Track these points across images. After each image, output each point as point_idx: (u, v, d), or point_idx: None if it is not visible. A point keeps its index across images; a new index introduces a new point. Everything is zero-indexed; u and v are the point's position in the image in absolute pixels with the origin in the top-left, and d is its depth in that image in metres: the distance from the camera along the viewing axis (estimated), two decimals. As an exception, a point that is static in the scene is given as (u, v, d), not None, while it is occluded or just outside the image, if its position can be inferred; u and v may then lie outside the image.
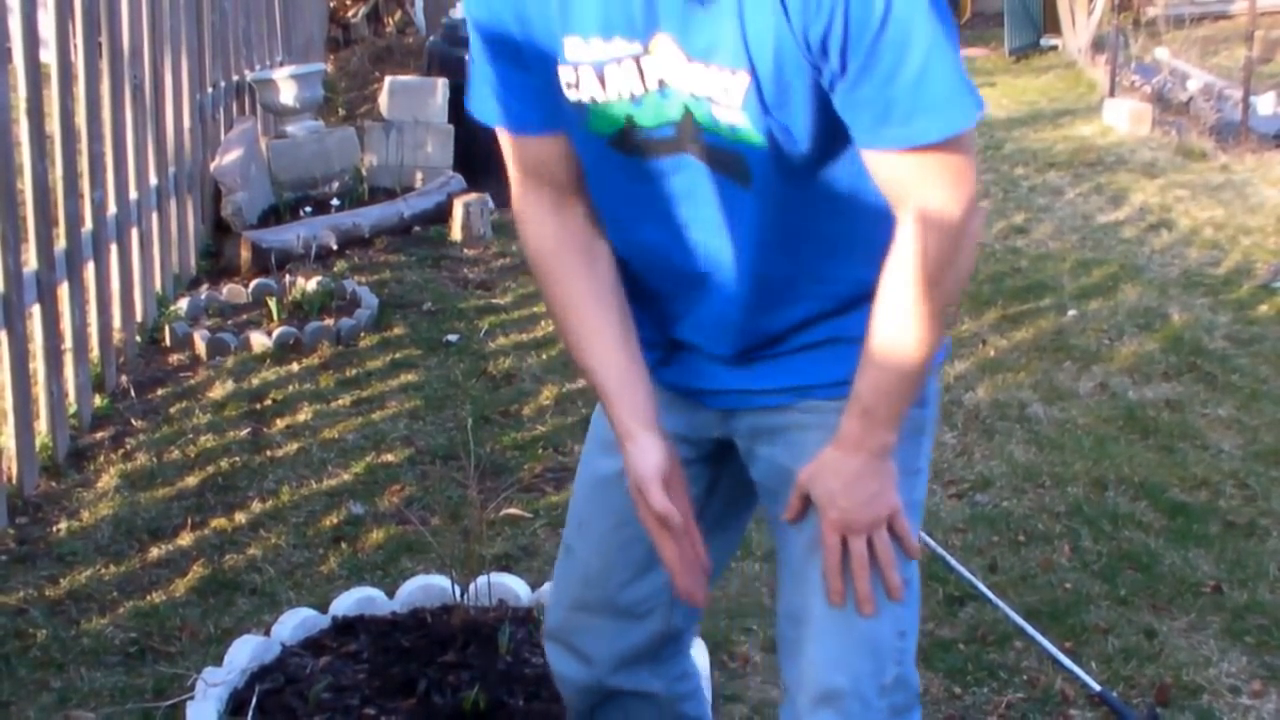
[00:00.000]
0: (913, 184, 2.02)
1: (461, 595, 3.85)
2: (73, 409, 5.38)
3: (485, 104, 2.20)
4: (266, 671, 3.70)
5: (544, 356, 5.94)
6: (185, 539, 4.57)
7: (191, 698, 3.56)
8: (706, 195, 2.11)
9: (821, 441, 2.18)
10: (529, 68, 2.11)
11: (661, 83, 2.02)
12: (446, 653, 3.69)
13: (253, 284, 7.02)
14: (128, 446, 5.28)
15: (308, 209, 7.97)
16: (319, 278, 6.91)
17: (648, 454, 2.21)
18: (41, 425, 5.05)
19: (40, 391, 5.03)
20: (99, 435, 5.38)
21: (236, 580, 4.30)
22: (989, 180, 9.76)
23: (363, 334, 6.49)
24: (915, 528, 2.27)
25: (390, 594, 4.05)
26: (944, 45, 1.94)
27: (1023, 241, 8.33)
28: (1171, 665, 3.90)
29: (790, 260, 2.16)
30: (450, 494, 4.76)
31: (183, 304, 6.67)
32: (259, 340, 6.30)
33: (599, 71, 2.02)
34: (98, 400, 5.65)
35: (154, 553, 4.47)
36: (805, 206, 2.11)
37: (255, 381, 5.96)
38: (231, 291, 6.97)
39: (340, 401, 5.77)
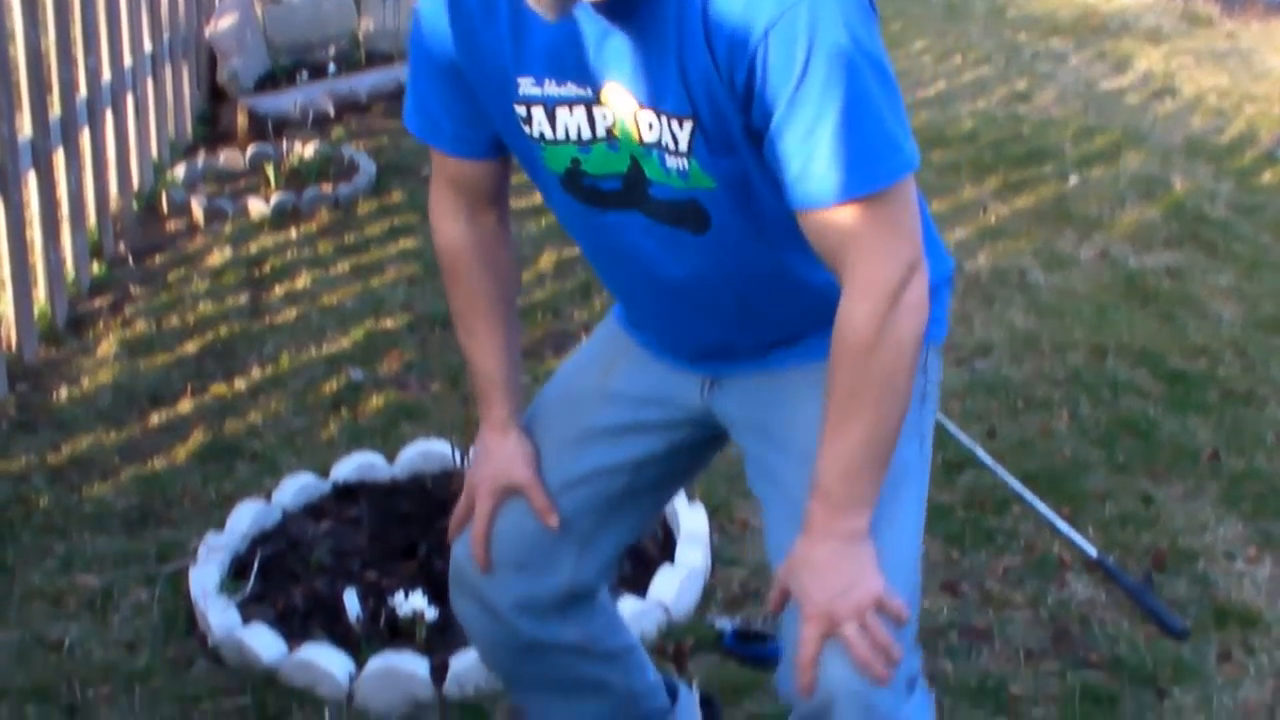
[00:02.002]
0: (839, 247, 1.92)
1: (461, 460, 3.86)
2: (71, 276, 5.37)
3: (420, 119, 2.22)
4: (268, 536, 3.72)
5: (542, 223, 5.91)
6: (185, 405, 4.57)
7: (194, 562, 3.59)
8: (660, 247, 2.09)
9: (811, 398, 2.08)
10: (476, 98, 2.11)
11: (610, 133, 1.98)
12: (446, 517, 3.70)
13: (250, 150, 6.97)
14: (126, 313, 5.27)
15: (304, 74, 7.89)
16: (316, 144, 6.86)
17: (523, 452, 2.34)
18: (40, 293, 5.04)
19: (38, 259, 5.01)
20: (97, 302, 5.37)
21: (237, 446, 4.31)
22: (991, 46, 9.66)
23: (361, 200, 6.45)
24: (924, 490, 2.24)
25: (390, 459, 4.07)
26: (870, 98, 1.85)
27: (1024, 108, 8.26)
28: (1168, 531, 3.92)
29: (762, 288, 2.12)
30: (449, 360, 4.75)
31: (180, 171, 6.62)
32: (257, 207, 6.26)
33: (550, 110, 2.00)
34: (96, 267, 5.63)
35: (154, 419, 4.48)
36: (771, 240, 2.05)
37: (253, 248, 5.93)
38: (228, 158, 6.92)
39: (339, 268, 5.75)
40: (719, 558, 3.72)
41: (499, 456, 2.34)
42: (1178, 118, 8.16)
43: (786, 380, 2.20)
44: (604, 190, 2.05)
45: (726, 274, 2.09)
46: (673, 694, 2.64)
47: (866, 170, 1.87)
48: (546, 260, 5.69)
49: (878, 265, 1.91)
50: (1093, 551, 3.75)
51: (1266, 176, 7.09)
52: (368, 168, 6.72)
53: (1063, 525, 3.85)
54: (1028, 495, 3.98)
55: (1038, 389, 4.77)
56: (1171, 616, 3.51)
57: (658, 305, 2.22)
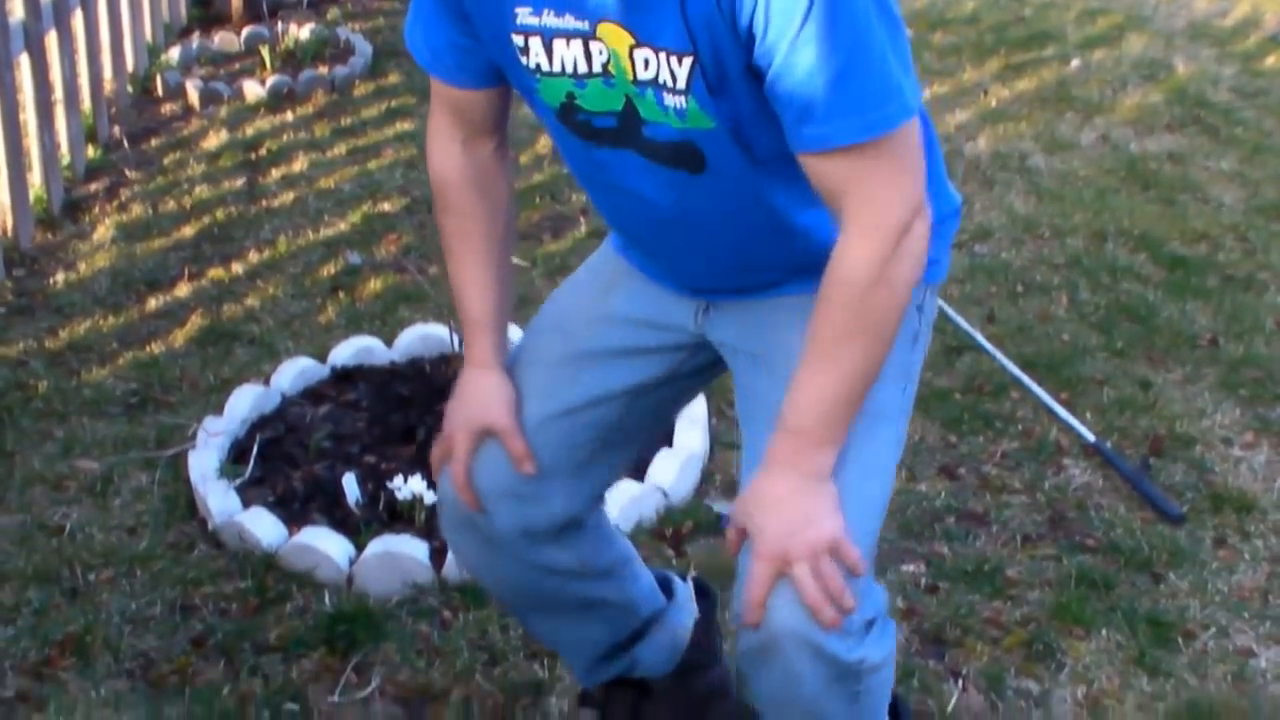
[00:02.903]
0: (840, 190, 1.89)
1: (459, 344, 3.85)
2: (66, 160, 5.34)
3: (419, 43, 2.17)
4: (267, 421, 3.73)
5: (541, 106, 5.86)
6: (183, 290, 4.56)
7: (193, 447, 3.59)
8: (655, 185, 2.05)
9: (798, 324, 2.05)
10: (476, 34, 2.07)
11: (606, 69, 1.94)
12: (445, 401, 3.70)
13: (245, 32, 6.91)
14: (122, 198, 5.25)
15: (299, -45, 7.81)
16: (312, 25, 6.80)
17: (502, 395, 2.28)
18: (35, 177, 5.01)
19: (32, 143, 4.98)
20: (93, 187, 5.35)
21: (235, 330, 4.31)
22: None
23: (357, 82, 6.41)
24: (903, 432, 2.18)
25: (388, 343, 4.06)
26: (874, 41, 1.81)
27: (1027, -10, 8.19)
28: (1165, 417, 3.93)
29: (757, 229, 2.09)
30: (447, 245, 4.73)
31: (174, 53, 6.57)
32: (252, 89, 6.22)
33: (547, 41, 1.95)
34: (91, 151, 5.60)
35: (152, 304, 4.47)
36: (768, 183, 2.02)
37: (249, 131, 5.90)
38: (223, 40, 6.86)
39: (336, 151, 5.72)
40: (718, 441, 3.73)
41: (476, 398, 2.30)
42: (1180, 0, 8.08)
43: (780, 306, 2.17)
44: (598, 127, 2.03)
45: (721, 213, 2.07)
46: (667, 589, 2.65)
47: (868, 116, 1.84)
48: (544, 143, 5.66)
49: (879, 209, 1.90)
50: (1090, 437, 3.76)
51: (1270, 60, 7.04)
52: (364, 50, 6.66)
53: (1061, 410, 3.86)
54: (1026, 380, 3.98)
55: (1037, 273, 4.76)
56: (1168, 502, 3.52)
57: (651, 239, 2.20)
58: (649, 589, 2.57)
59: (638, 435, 2.40)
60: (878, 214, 1.90)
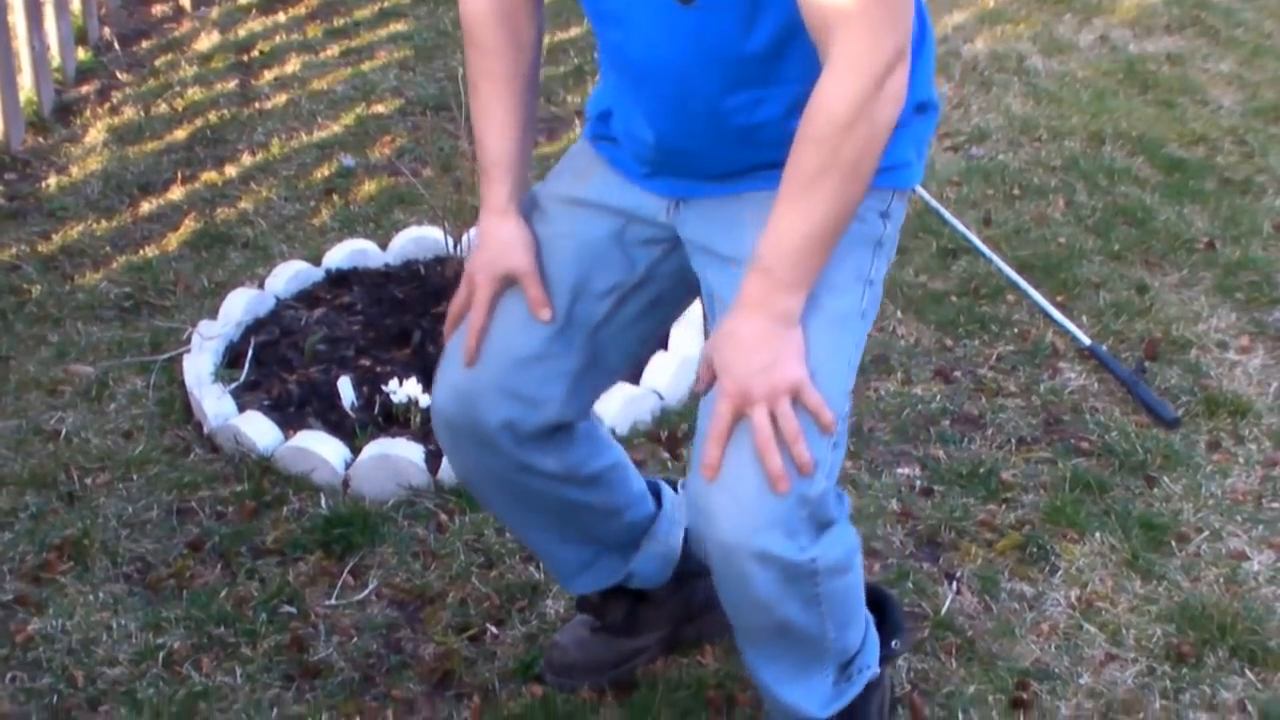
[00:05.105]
0: (831, 23, 1.87)
1: (454, 246, 3.84)
2: (56, 63, 5.29)
3: None
4: (261, 324, 3.72)
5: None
6: (176, 193, 4.54)
7: (188, 350, 3.59)
8: (647, 15, 2.02)
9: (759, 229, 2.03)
10: None
11: None
12: (440, 304, 3.70)
13: (235, -69, 6.83)
14: (114, 100, 5.21)
15: None
16: (303, -75, 6.72)
17: (522, 238, 2.27)
18: (25, 80, 4.97)
19: (21, 46, 4.93)
20: (84, 89, 5.31)
21: (229, 234, 4.29)
22: None
23: (350, -17, 6.35)
24: (862, 336, 2.17)
25: (383, 246, 4.05)
26: None
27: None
28: (1161, 320, 3.92)
29: (735, 100, 2.06)
30: (442, 145, 4.71)
31: (164, -48, 6.50)
32: (244, -10, 6.17)
33: None
34: (81, 54, 5.55)
35: (145, 207, 4.45)
36: (758, 31, 1.99)
37: (241, 32, 5.85)
38: (214, -61, 6.78)
39: (329, 52, 5.67)
40: (713, 346, 3.72)
41: (497, 242, 2.29)
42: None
43: (747, 203, 2.15)
44: None
45: (704, 65, 2.04)
46: (657, 496, 2.64)
47: None
48: (539, 45, 5.61)
49: (866, 46, 1.88)
50: (1086, 340, 3.75)
51: (1271, -41, 6.96)
52: (356, -51, 6.59)
53: (1056, 313, 3.85)
54: (1022, 283, 3.98)
55: (1034, 175, 4.74)
56: (1163, 405, 3.53)
57: (634, 88, 2.17)
58: (638, 495, 2.57)
59: (624, 343, 2.37)
60: (863, 51, 1.88)
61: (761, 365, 1.99)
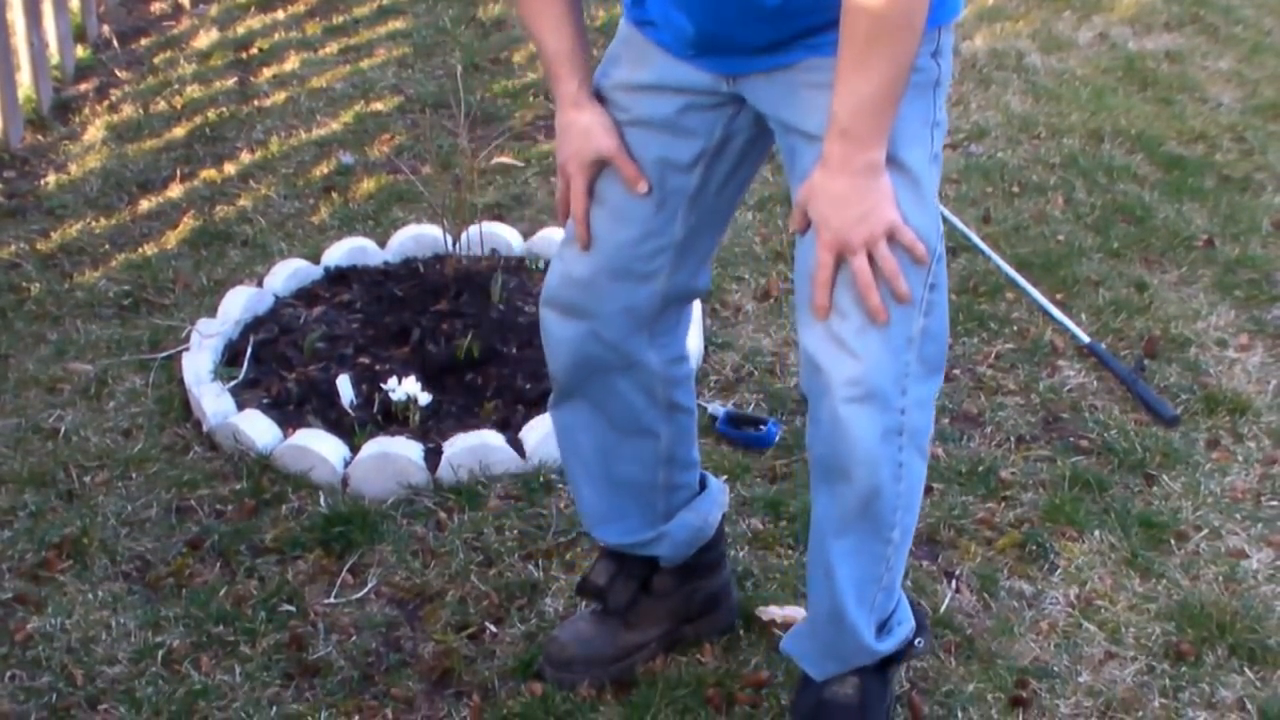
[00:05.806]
0: None
1: (453, 244, 3.84)
2: (55, 60, 5.29)
3: None
4: (260, 322, 3.72)
5: None
6: (175, 191, 4.54)
7: (187, 349, 3.59)
8: None
9: (825, 87, 2.11)
10: None
11: None
12: (439, 301, 3.71)
13: (234, -71, 6.83)
14: (113, 98, 5.21)
15: None
16: (302, -78, 6.72)
17: (602, 121, 2.33)
18: (24, 77, 4.97)
19: (20, 43, 4.93)
20: (83, 87, 5.30)
21: (228, 232, 4.29)
22: None
23: (349, -19, 6.35)
24: (935, 179, 2.25)
25: (382, 244, 4.05)
26: None
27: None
28: (1160, 318, 3.92)
29: None
30: (441, 143, 4.71)
31: (163, -51, 6.50)
32: (243, -13, 6.16)
33: None
34: (80, 51, 5.55)
35: (144, 205, 4.45)
36: None
37: (240, 30, 5.84)
38: (213, -64, 6.78)
39: (328, 49, 5.67)
40: (711, 342, 3.72)
41: (579, 131, 2.34)
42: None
43: (799, 71, 2.20)
44: None
45: None
46: (702, 481, 2.69)
47: None
48: (538, 42, 5.61)
49: None
50: (1085, 338, 3.76)
51: (1270, -43, 6.96)
52: (355, -53, 6.59)
53: (1056, 311, 3.85)
54: (1021, 280, 3.98)
55: (1033, 173, 4.74)
56: (1162, 403, 3.53)
57: None
58: (692, 461, 2.66)
59: (719, 205, 2.43)
60: None
61: (857, 216, 2.12)
